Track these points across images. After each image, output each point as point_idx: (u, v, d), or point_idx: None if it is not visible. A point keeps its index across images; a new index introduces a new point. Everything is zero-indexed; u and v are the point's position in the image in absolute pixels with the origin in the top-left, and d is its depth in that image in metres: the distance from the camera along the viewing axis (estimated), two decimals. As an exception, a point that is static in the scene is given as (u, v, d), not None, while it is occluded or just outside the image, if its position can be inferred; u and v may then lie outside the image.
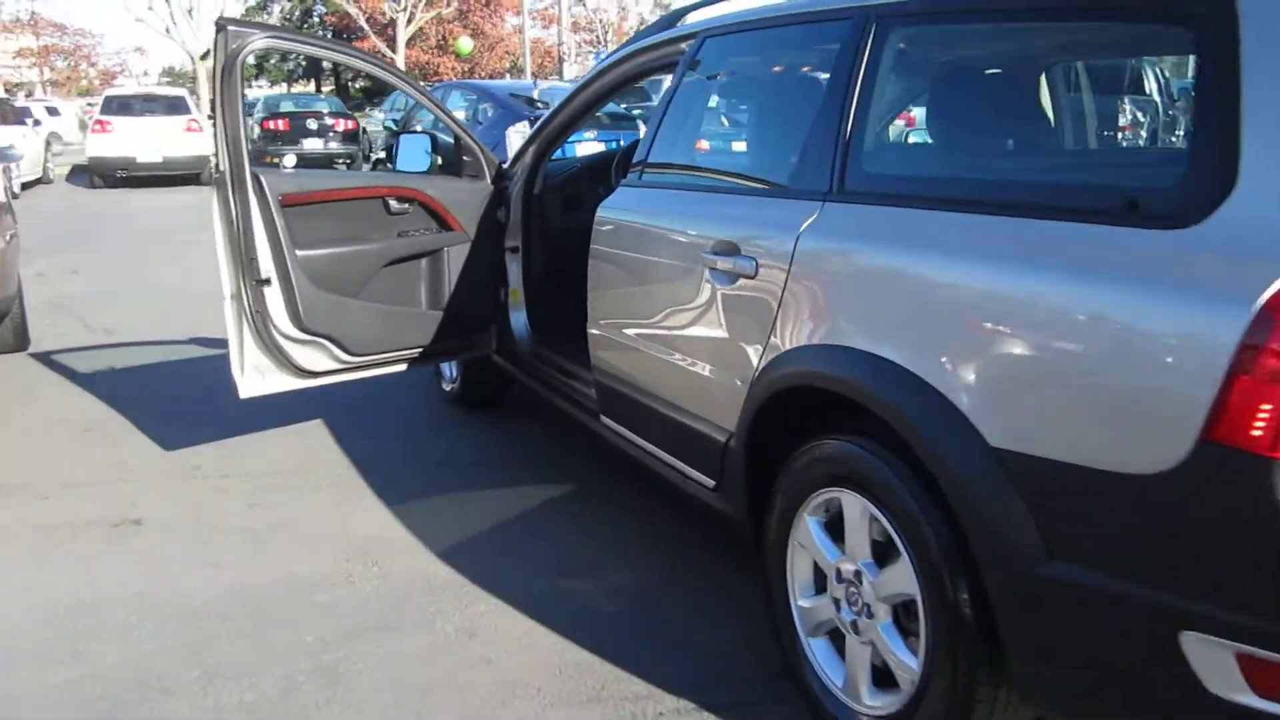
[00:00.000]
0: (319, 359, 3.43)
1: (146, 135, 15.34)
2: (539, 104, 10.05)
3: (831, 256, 2.12)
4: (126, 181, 15.36)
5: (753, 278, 2.27)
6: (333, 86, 41.88)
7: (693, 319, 2.53)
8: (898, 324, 1.92)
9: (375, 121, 21.53)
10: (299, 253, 3.30)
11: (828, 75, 2.30)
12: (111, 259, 8.88)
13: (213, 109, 3.16)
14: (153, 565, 3.02)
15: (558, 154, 4.15)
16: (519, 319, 3.93)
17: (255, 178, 3.21)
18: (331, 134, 16.86)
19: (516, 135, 9.81)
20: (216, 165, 3.20)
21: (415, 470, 3.77)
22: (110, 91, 18.07)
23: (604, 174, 4.06)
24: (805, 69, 2.67)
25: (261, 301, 3.25)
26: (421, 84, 10.49)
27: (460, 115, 11.51)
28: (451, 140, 3.87)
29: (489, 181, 3.78)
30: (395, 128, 12.43)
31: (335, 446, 4.03)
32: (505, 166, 3.85)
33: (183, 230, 10.62)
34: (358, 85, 40.54)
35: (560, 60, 28.53)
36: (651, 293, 2.72)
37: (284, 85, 51.19)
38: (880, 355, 1.90)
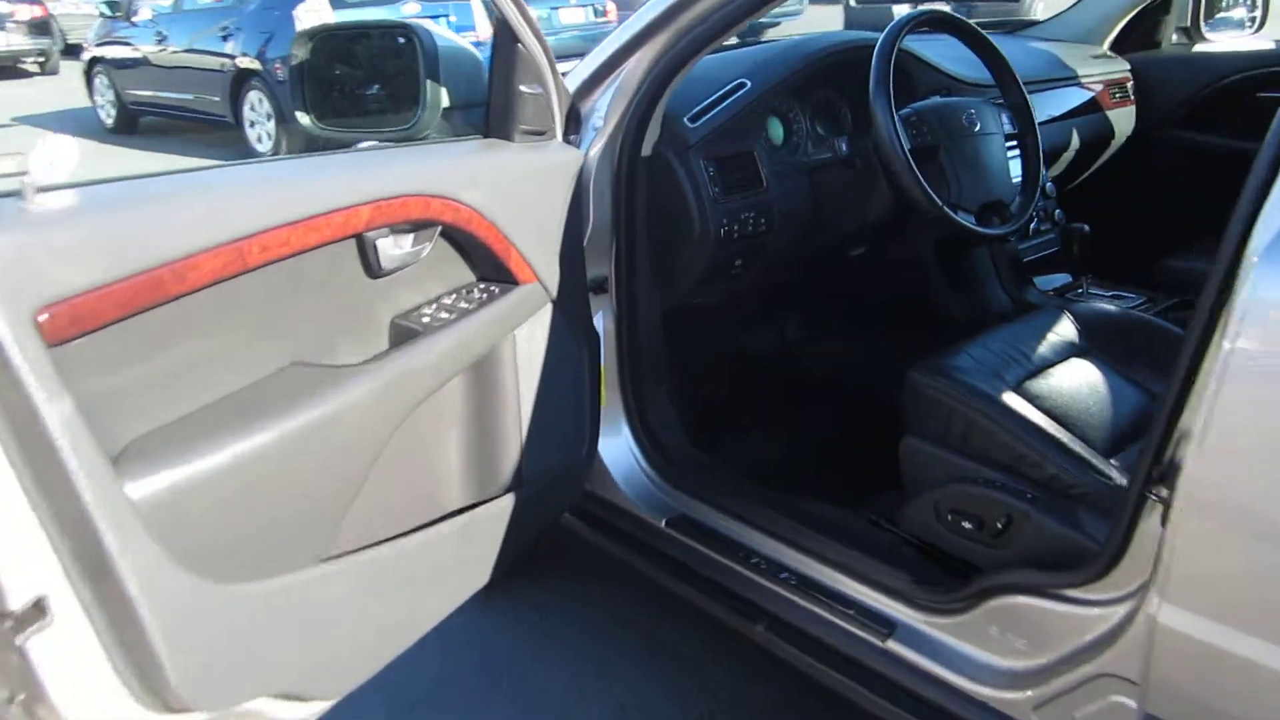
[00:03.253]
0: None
1: None
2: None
3: None
4: None
5: None
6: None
7: None
8: None
9: (67, 5, 17.18)
10: (131, 484, 0.95)
11: None
12: None
13: None
14: None
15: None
16: (617, 442, 1.76)
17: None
18: (9, 23, 12.75)
19: (311, 17, 6.84)
20: None
21: None
22: None
23: (836, 100, 1.88)
24: None
25: (24, 667, 0.92)
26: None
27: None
28: (436, 39, 1.54)
29: (560, 137, 1.51)
30: (111, 12, 8.95)
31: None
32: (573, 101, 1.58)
33: None
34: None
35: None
36: None
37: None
38: None
